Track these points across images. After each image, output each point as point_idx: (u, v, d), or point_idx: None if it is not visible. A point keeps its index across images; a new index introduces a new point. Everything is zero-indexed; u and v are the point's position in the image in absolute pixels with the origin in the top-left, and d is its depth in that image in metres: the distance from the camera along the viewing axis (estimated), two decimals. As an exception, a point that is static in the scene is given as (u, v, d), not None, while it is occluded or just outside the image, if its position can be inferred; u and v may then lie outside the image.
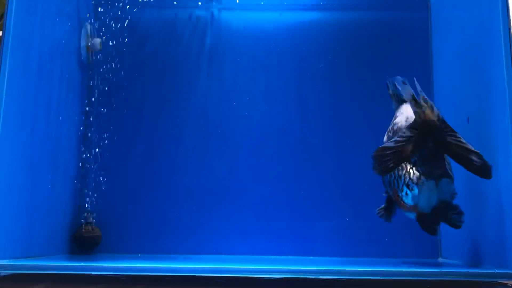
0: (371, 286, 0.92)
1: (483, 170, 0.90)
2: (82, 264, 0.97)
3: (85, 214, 1.31)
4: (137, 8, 1.43)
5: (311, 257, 1.29)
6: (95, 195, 1.34)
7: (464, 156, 0.90)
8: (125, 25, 1.41)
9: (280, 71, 1.41)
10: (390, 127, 1.05)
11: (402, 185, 0.95)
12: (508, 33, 1.01)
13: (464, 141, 0.91)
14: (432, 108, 0.91)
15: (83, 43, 1.35)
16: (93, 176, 1.35)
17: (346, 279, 0.91)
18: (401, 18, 1.44)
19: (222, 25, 1.43)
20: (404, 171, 0.95)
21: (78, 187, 1.34)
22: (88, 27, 1.37)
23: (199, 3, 1.44)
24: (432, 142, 0.92)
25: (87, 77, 1.39)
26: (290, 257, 1.30)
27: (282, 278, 0.91)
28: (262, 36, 1.43)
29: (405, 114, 1.00)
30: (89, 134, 1.37)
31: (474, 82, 1.15)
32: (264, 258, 1.27)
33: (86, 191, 1.35)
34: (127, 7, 1.42)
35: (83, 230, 1.29)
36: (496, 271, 0.92)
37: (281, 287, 0.91)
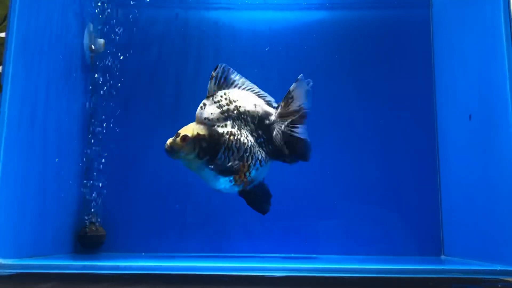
0: (373, 284, 0.93)
1: (303, 155, 1.14)
2: (87, 263, 0.97)
3: (90, 214, 1.31)
4: (137, 8, 1.43)
5: (314, 255, 1.30)
6: (99, 194, 1.35)
7: (291, 142, 1.13)
8: (126, 25, 1.41)
9: (279, 71, 1.41)
10: (230, 107, 1.12)
11: (256, 161, 1.12)
12: (510, 30, 1.01)
13: (296, 131, 1.12)
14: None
15: (86, 43, 1.35)
16: (97, 175, 1.36)
17: (349, 277, 0.91)
18: (403, 16, 1.43)
19: (219, 25, 1.43)
20: (256, 149, 1.12)
21: (83, 186, 1.35)
22: (91, 27, 1.37)
23: (196, 3, 1.45)
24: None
25: (91, 77, 1.39)
26: (293, 255, 1.30)
27: (285, 276, 0.91)
28: (261, 36, 1.43)
29: (250, 101, 1.14)
30: (93, 133, 1.37)
31: (475, 80, 1.15)
32: (267, 256, 1.27)
33: (90, 190, 1.35)
34: (130, 7, 1.42)
35: (87, 229, 1.29)
36: (499, 268, 0.93)
37: (283, 285, 0.91)
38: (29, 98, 1.06)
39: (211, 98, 1.13)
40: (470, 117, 1.16)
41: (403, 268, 0.92)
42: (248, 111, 1.13)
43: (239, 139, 1.10)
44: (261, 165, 1.12)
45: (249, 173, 1.12)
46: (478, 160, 1.13)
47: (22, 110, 1.03)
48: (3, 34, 1.06)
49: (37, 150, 1.10)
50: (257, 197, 1.16)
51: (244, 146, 1.10)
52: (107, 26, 1.40)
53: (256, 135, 1.13)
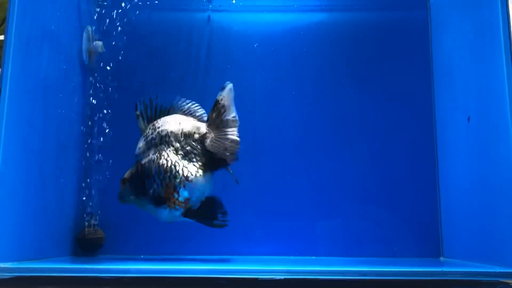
0: (372, 286, 0.93)
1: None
2: (86, 266, 0.97)
3: (88, 216, 1.31)
4: (137, 11, 1.43)
5: (313, 257, 1.30)
6: (98, 196, 1.35)
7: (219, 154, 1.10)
8: (125, 27, 1.41)
9: (279, 73, 1.41)
10: (154, 134, 1.12)
11: (180, 179, 1.08)
12: (508, 32, 1.01)
13: (217, 142, 1.11)
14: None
15: (84, 46, 1.36)
16: (96, 177, 1.36)
17: (348, 279, 0.91)
18: (400, 18, 1.44)
19: (218, 26, 1.44)
20: (179, 167, 1.08)
21: (81, 188, 1.35)
22: (90, 30, 1.37)
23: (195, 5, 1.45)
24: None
25: (89, 79, 1.39)
26: (292, 257, 1.30)
27: (284, 279, 0.91)
28: (261, 37, 1.43)
29: (175, 121, 1.13)
30: (92, 136, 1.37)
31: (474, 82, 1.15)
32: (266, 258, 1.27)
33: (89, 193, 1.35)
34: (127, 8, 1.42)
35: (85, 232, 1.29)
36: (498, 270, 0.93)
37: (283, 288, 0.91)
38: (28, 100, 1.06)
39: (143, 135, 1.14)
40: (468, 119, 1.17)
41: (402, 270, 0.92)
42: (171, 132, 1.11)
43: (158, 163, 1.09)
44: (189, 181, 1.09)
45: (178, 193, 1.09)
46: (477, 161, 1.13)
47: (21, 113, 1.03)
48: (2, 37, 1.06)
49: (36, 153, 1.10)
50: (206, 212, 1.13)
51: (163, 168, 1.09)
52: (106, 28, 1.40)
53: (183, 152, 1.10)
